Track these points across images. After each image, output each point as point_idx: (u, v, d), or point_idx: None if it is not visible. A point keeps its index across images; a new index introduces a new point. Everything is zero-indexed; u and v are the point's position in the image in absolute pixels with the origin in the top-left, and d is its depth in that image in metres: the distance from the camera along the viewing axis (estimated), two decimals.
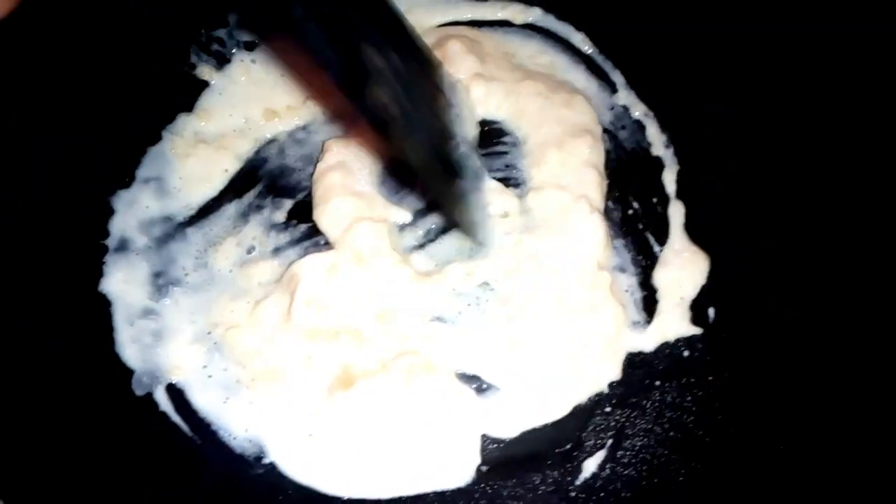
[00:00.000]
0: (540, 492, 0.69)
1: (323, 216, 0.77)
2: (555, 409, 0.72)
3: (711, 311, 0.76)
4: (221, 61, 0.85)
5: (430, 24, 0.91)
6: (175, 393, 0.70)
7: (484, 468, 0.69)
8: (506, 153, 0.82)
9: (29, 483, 0.58)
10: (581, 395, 0.72)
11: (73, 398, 0.64)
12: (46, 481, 0.59)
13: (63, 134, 0.73)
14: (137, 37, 0.78)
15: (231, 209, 0.80)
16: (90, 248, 0.73)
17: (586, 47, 0.90)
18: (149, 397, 0.69)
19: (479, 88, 0.82)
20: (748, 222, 0.78)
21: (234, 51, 0.85)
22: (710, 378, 0.73)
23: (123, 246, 0.75)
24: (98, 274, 0.73)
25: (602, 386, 0.73)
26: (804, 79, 0.76)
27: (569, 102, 0.84)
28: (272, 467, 0.68)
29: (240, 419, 0.69)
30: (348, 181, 0.79)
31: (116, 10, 0.75)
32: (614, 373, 0.73)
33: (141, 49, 0.79)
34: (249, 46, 0.86)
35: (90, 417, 0.64)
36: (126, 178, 0.78)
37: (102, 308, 0.71)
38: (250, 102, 0.84)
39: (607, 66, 0.89)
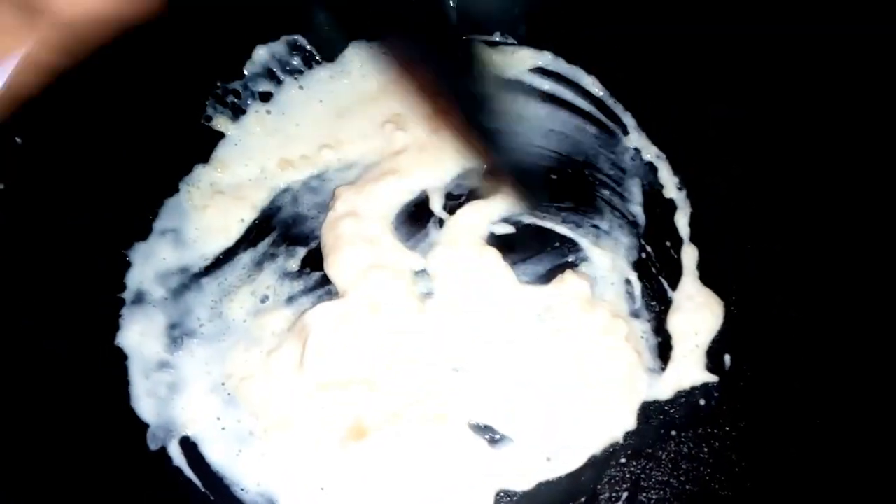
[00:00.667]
0: None
1: (333, 266, 0.78)
2: (569, 460, 0.71)
3: (727, 359, 0.75)
4: (237, 112, 0.87)
5: None
6: (188, 446, 0.71)
7: None
8: None
9: None
10: (596, 446, 0.71)
11: (88, 455, 0.64)
12: None
13: (80, 188, 0.74)
14: (153, 90, 0.80)
15: (246, 258, 0.81)
16: (107, 301, 0.74)
17: (597, 90, 0.91)
18: (163, 451, 0.70)
19: None
20: (763, 267, 0.77)
21: (249, 102, 0.87)
22: (727, 428, 0.71)
23: (140, 298, 0.76)
24: (115, 327, 0.74)
25: (617, 436, 0.72)
26: (823, 123, 0.75)
27: None
28: None
29: (252, 472, 0.70)
30: (360, 228, 0.80)
31: (132, 62, 0.77)
32: (629, 422, 0.72)
33: (157, 102, 0.81)
34: (264, 97, 0.87)
35: (105, 474, 0.64)
36: (143, 231, 0.80)
37: (118, 362, 0.72)
38: (266, 152, 0.86)
39: (618, 108, 0.89)
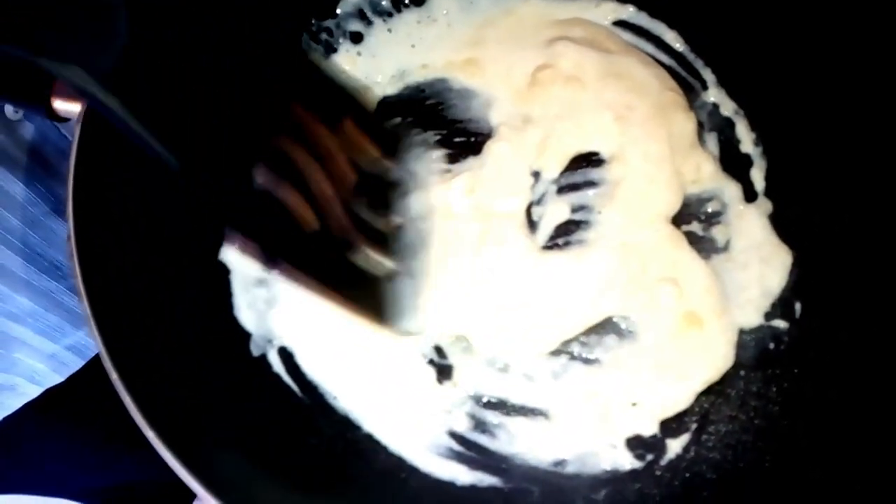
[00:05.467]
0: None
1: None
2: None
3: (798, 306, 0.77)
4: (329, 50, 0.90)
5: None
6: (287, 355, 0.76)
7: None
8: None
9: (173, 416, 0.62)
10: None
11: (199, 359, 0.70)
12: (180, 416, 0.63)
13: (185, 118, 0.78)
14: (251, 25, 0.83)
15: None
16: (212, 220, 0.78)
17: (678, 45, 0.92)
18: (264, 358, 0.75)
19: None
20: (838, 220, 0.78)
21: (340, 41, 0.90)
22: (796, 370, 0.74)
23: None
24: (219, 244, 0.78)
25: None
26: None
27: None
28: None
29: (344, 383, 0.75)
30: None
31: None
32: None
33: (256, 37, 0.84)
34: (355, 38, 0.90)
35: (218, 378, 0.70)
36: None
37: (223, 275, 0.77)
38: None
39: (698, 64, 0.91)
